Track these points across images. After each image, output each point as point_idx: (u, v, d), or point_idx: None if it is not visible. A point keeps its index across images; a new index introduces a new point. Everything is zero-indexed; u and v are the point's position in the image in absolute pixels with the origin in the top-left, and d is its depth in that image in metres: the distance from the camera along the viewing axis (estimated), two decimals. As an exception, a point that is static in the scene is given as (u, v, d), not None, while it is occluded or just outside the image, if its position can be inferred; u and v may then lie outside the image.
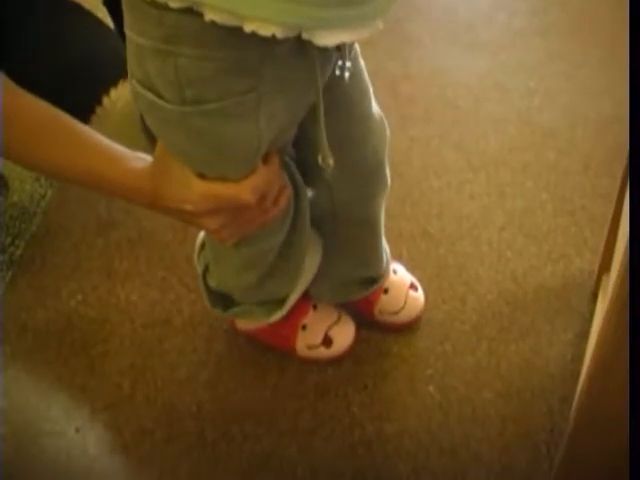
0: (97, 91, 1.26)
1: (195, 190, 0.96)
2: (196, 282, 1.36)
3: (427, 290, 1.47)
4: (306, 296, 1.36)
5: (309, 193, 1.18)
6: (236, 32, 0.76)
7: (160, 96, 0.86)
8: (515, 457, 1.29)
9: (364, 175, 1.21)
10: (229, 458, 1.31)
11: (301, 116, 0.99)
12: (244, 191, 0.96)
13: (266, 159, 0.98)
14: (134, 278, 1.56)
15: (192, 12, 0.77)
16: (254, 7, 0.74)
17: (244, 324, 1.42)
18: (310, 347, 1.40)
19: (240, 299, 1.31)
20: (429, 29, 2.02)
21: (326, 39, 0.78)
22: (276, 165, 1.00)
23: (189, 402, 1.38)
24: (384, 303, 1.42)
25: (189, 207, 0.97)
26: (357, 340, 1.42)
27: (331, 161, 0.99)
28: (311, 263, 1.27)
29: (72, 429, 1.37)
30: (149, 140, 1.03)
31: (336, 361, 1.41)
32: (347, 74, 0.97)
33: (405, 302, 1.43)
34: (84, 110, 1.24)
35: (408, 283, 1.46)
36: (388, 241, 1.39)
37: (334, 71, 0.96)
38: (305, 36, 0.78)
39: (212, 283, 1.30)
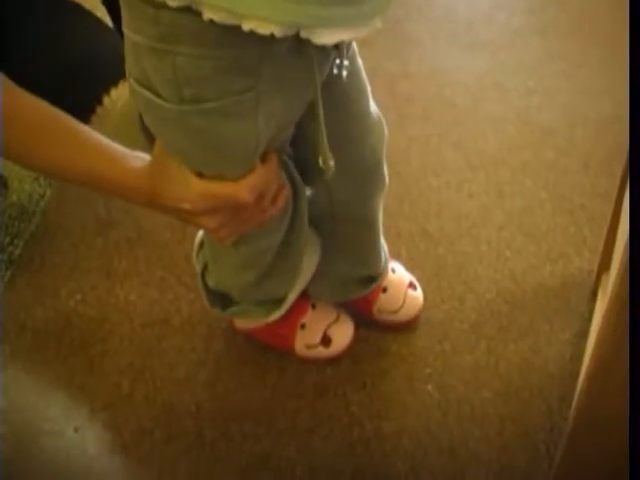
0: (97, 91, 1.26)
1: (193, 189, 0.96)
2: (195, 281, 1.36)
3: (426, 289, 1.47)
4: (305, 295, 1.36)
5: (307, 192, 1.18)
6: (234, 31, 0.76)
7: (158, 95, 0.86)
8: (514, 456, 1.29)
9: (362, 174, 1.21)
10: (228, 457, 1.31)
11: (299, 115, 0.99)
12: (242, 190, 0.96)
13: (264, 158, 0.98)
14: (133, 277, 1.56)
15: (190, 11, 0.77)
16: (252, 6, 0.74)
17: (243, 323, 1.42)
18: (309, 346, 1.40)
19: (239, 298, 1.31)
20: (428, 28, 2.02)
21: (324, 38, 0.78)
22: (274, 164, 1.00)
23: (188, 401, 1.38)
24: (383, 302, 1.42)
25: (187, 206, 0.97)
26: (356, 339, 1.42)
27: (332, 163, 0.99)
28: (309, 262, 1.27)
29: (71, 428, 1.37)
30: (148, 139, 1.03)
31: (335, 360, 1.41)
32: (345, 73, 0.97)
33: (404, 301, 1.43)
34: (85, 110, 1.24)
35: (407, 282, 1.46)
36: (387, 240, 1.39)
37: (332, 70, 0.96)
38: (303, 35, 0.78)
39: (211, 282, 1.30)
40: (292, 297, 1.29)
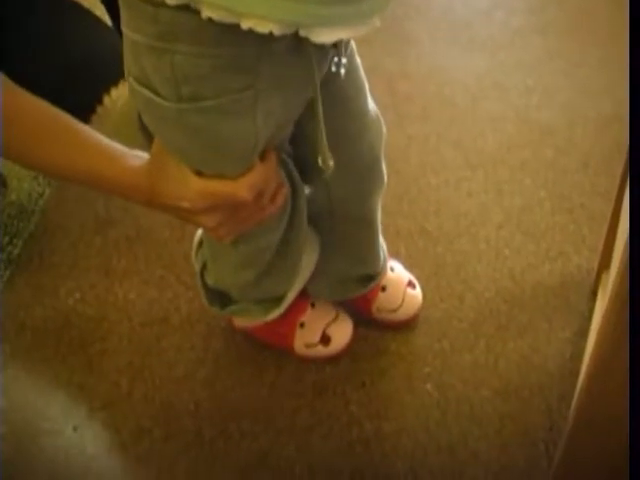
0: (98, 90, 1.26)
1: (192, 187, 0.96)
2: (194, 280, 1.36)
3: (425, 288, 1.47)
4: (304, 294, 1.36)
5: (306, 191, 1.18)
6: (233, 29, 0.76)
7: (157, 93, 0.86)
8: (513, 455, 1.29)
9: (360, 172, 1.21)
10: (227, 456, 1.31)
11: (298, 113, 0.99)
12: (241, 188, 0.96)
13: (263, 156, 0.98)
14: (132, 276, 1.56)
15: (188, 9, 0.77)
16: (251, 4, 0.74)
17: (242, 322, 1.42)
18: (308, 345, 1.40)
19: (238, 297, 1.31)
20: (427, 27, 2.02)
21: (323, 36, 0.78)
22: (273, 162, 1.00)
23: (187, 400, 1.38)
24: (382, 301, 1.42)
25: (186, 205, 0.97)
26: (355, 338, 1.42)
27: (331, 162, 0.99)
28: (308, 261, 1.27)
29: (70, 427, 1.36)
30: (147, 138, 1.03)
31: (334, 359, 1.41)
32: (343, 70, 0.97)
33: (403, 300, 1.43)
34: (85, 110, 1.24)
35: (406, 281, 1.46)
36: (386, 239, 1.39)
37: (330, 67, 0.96)
38: (302, 33, 0.78)
39: (210, 281, 1.30)
40: (291, 296, 1.29)
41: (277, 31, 0.76)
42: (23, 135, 0.96)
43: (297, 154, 1.13)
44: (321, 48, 0.86)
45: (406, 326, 1.44)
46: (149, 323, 1.49)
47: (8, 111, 0.94)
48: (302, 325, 1.39)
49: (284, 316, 1.33)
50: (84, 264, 1.58)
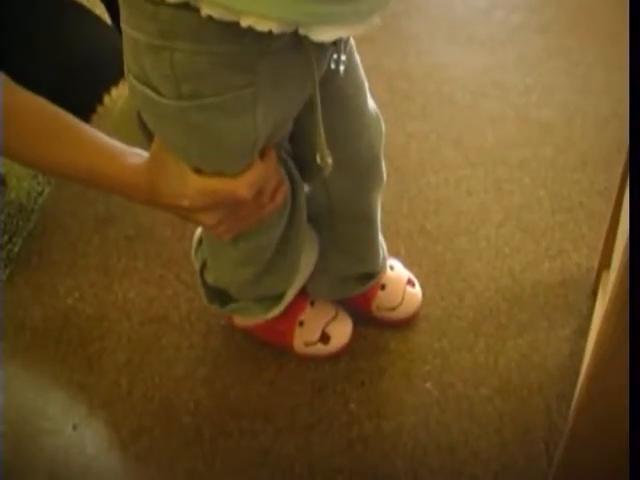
0: (98, 90, 1.26)
1: (192, 186, 0.95)
2: (193, 279, 1.36)
3: (424, 286, 1.47)
4: (303, 293, 1.36)
5: (305, 189, 1.18)
6: (232, 27, 0.76)
7: (156, 91, 0.86)
8: (513, 454, 1.29)
9: (359, 170, 1.21)
10: (226, 454, 1.31)
11: (297, 111, 0.99)
12: (241, 186, 0.96)
13: (263, 154, 0.98)
14: (131, 275, 1.56)
15: (188, 7, 0.77)
16: (250, 2, 0.74)
17: (241, 320, 1.42)
18: (307, 343, 1.40)
19: (237, 295, 1.31)
20: (427, 26, 2.02)
21: (323, 35, 0.78)
22: (273, 160, 1.00)
23: (186, 399, 1.38)
24: (381, 299, 1.42)
25: (186, 203, 0.97)
26: (354, 336, 1.42)
27: (330, 160, 0.99)
28: (308, 259, 1.27)
29: (70, 426, 1.36)
30: (146, 137, 1.03)
31: (333, 357, 1.40)
32: (342, 68, 0.97)
33: (402, 298, 1.43)
34: (85, 109, 1.24)
35: (405, 279, 1.45)
36: (385, 237, 1.39)
37: (329, 65, 0.96)
38: (302, 32, 0.78)
39: (209, 279, 1.30)
40: (291, 294, 1.29)
41: (276, 29, 0.76)
42: (23, 133, 0.96)
43: (296, 152, 1.13)
44: (320, 46, 0.86)
45: (406, 325, 1.44)
46: (148, 322, 1.49)
47: (8, 109, 0.94)
48: (301, 323, 1.39)
49: (284, 314, 1.33)
50: (83, 263, 1.58)
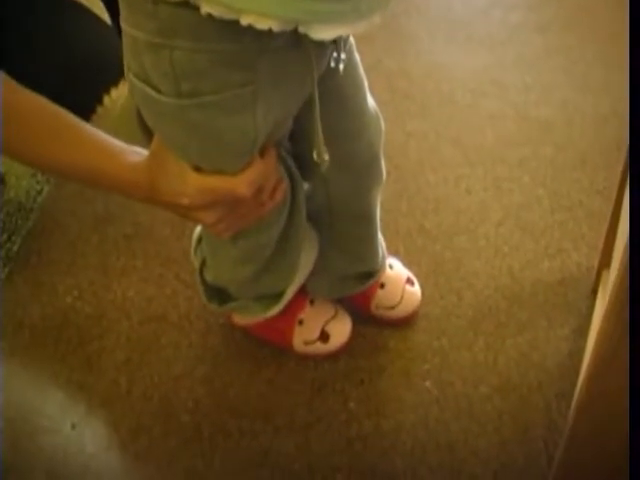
0: (98, 90, 1.26)
1: (191, 184, 0.95)
2: (193, 277, 1.36)
3: (424, 285, 1.47)
4: (303, 291, 1.36)
5: (305, 187, 1.18)
6: (232, 25, 0.76)
7: (156, 89, 0.86)
8: (512, 452, 1.29)
9: (359, 169, 1.21)
10: (226, 453, 1.31)
11: (297, 109, 0.99)
12: (240, 185, 0.96)
13: (263, 152, 0.98)
14: (130, 274, 1.56)
15: (188, 5, 0.77)
16: (251, 1, 0.74)
17: (241, 319, 1.42)
18: (307, 342, 1.40)
19: (237, 294, 1.31)
20: (426, 25, 2.02)
21: (322, 33, 0.78)
22: (273, 158, 1.00)
23: (186, 397, 1.38)
24: (381, 298, 1.42)
25: (185, 201, 0.97)
26: (354, 335, 1.42)
27: (326, 156, 0.99)
28: (307, 258, 1.27)
29: (68, 425, 1.36)
30: (146, 135, 1.03)
31: (333, 356, 1.40)
32: (342, 66, 0.97)
33: (402, 297, 1.43)
34: (85, 110, 1.24)
35: (404, 278, 1.45)
36: (384, 236, 1.39)
37: (329, 63, 0.96)
38: (301, 30, 0.78)
39: (209, 277, 1.30)
40: (290, 292, 1.29)
41: (276, 27, 0.76)
42: (23, 132, 0.96)
43: (296, 151, 1.13)
44: (320, 44, 0.86)
45: (405, 323, 1.44)
46: (148, 321, 1.49)
47: (8, 108, 0.94)
48: (301, 322, 1.39)
49: (283, 313, 1.33)
50: (82, 262, 1.58)
